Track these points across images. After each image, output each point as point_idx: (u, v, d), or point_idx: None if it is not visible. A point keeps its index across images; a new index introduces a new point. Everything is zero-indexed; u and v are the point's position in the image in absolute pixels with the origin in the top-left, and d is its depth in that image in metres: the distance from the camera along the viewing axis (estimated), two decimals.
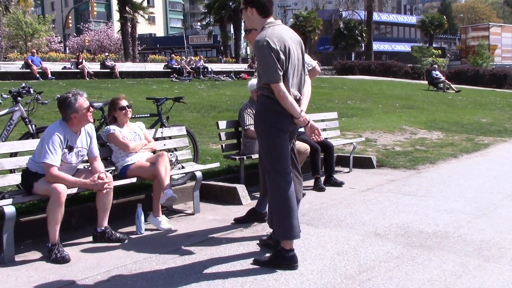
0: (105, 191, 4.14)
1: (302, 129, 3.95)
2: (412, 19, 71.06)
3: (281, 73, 3.50)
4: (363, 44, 49.16)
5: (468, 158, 8.47)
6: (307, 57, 4.09)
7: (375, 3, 48.92)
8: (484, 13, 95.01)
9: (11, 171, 4.59)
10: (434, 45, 53.47)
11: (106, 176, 4.15)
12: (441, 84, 24.13)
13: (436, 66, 27.85)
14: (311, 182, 6.29)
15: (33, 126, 5.67)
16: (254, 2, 3.68)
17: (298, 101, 3.66)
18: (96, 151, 4.36)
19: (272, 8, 3.77)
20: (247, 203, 5.42)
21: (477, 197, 5.62)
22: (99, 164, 4.33)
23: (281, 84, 3.50)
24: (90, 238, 4.31)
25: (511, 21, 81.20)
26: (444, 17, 60.07)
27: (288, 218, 3.58)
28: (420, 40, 57.30)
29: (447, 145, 9.42)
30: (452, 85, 24.58)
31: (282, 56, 3.52)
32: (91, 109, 4.22)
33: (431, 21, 57.01)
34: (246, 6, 3.72)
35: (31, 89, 5.84)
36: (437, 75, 24.76)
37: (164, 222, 4.64)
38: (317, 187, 6.15)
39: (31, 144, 4.38)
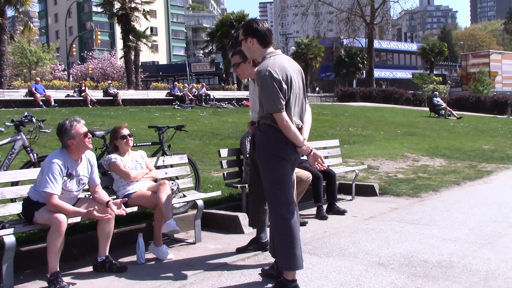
0: (106, 217, 4.11)
1: (304, 157, 3.95)
2: (413, 46, 71.75)
3: (283, 103, 3.52)
4: (364, 71, 49.55)
5: (471, 185, 8.42)
6: None
7: (376, 31, 49.46)
8: (484, 40, 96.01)
9: (12, 200, 4.57)
10: (435, 72, 53.93)
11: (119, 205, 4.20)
12: (443, 111, 24.19)
13: (437, 92, 28.00)
14: (313, 210, 6.25)
15: (35, 155, 5.67)
16: (255, 32, 3.72)
17: (300, 129, 3.67)
18: (97, 179, 4.35)
19: (272, 37, 3.81)
20: (249, 231, 5.37)
21: (481, 226, 5.56)
22: (101, 193, 4.31)
23: (284, 114, 3.51)
24: (91, 268, 4.26)
25: (511, 48, 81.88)
26: (445, 44, 60.69)
27: (291, 248, 3.55)
28: (421, 67, 57.79)
29: (450, 172, 9.38)
30: (454, 112, 24.65)
31: (284, 86, 3.54)
32: (89, 135, 4.22)
33: (431, 48, 57.62)
34: (247, 36, 3.76)
35: (33, 118, 5.87)
36: (438, 101, 24.85)
37: (165, 251, 4.59)
38: (320, 216, 6.11)
39: (33, 173, 4.37)
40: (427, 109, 26.49)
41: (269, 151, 3.61)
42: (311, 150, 3.61)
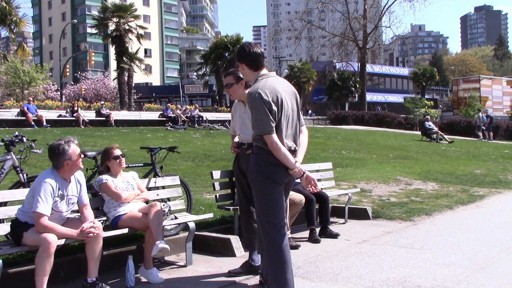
0: (91, 234, 4.03)
1: (298, 180, 3.93)
2: (405, 71, 72.53)
3: (273, 125, 3.51)
4: (356, 95, 49.89)
5: (464, 209, 8.41)
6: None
7: (368, 55, 49.89)
8: (475, 65, 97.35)
9: (1, 221, 4.49)
10: (426, 96, 54.40)
11: (94, 226, 4.06)
12: (434, 135, 24.32)
13: (429, 117, 28.16)
14: (306, 233, 6.19)
15: (25, 175, 5.60)
16: (242, 58, 3.82)
17: (293, 152, 3.64)
18: (85, 198, 4.29)
19: (263, 60, 3.83)
20: (241, 254, 5.30)
21: (475, 250, 5.53)
22: (89, 213, 4.25)
23: (274, 136, 3.50)
24: None
25: (501, 74, 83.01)
26: (435, 69, 61.40)
27: (282, 272, 3.50)
28: (412, 91, 58.32)
29: (443, 196, 9.37)
30: (445, 136, 24.78)
31: (274, 108, 3.53)
32: (82, 155, 4.19)
33: (423, 73, 58.28)
34: (237, 62, 3.89)
35: (24, 137, 5.81)
36: (430, 125, 24.99)
37: (155, 274, 4.51)
38: (312, 239, 6.05)
39: (22, 193, 4.30)
40: (419, 133, 26.63)
41: (261, 173, 3.59)
42: (304, 173, 3.59)
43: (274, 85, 3.65)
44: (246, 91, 4.54)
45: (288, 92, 3.72)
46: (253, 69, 3.78)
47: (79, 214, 4.36)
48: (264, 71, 3.78)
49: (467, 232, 6.54)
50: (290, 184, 3.82)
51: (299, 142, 3.77)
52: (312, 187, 3.66)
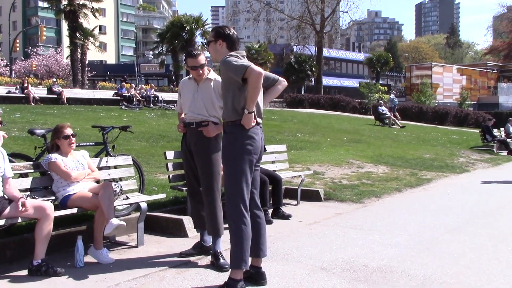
0: (23, 208, 3.98)
1: None
2: (360, 56, 73.56)
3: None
4: (313, 79, 50.28)
5: (412, 192, 8.69)
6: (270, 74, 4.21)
7: (325, 39, 50.24)
8: (427, 53, 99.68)
9: None
10: (380, 82, 55.35)
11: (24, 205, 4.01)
12: (387, 120, 24.88)
13: (383, 102, 28.73)
14: None
15: None
16: (226, 37, 3.94)
17: (259, 124, 3.83)
18: (8, 172, 4.20)
19: (239, 43, 4.03)
20: (194, 235, 5.31)
21: (420, 232, 5.73)
22: (13, 187, 4.18)
23: (257, 67, 3.65)
24: (26, 272, 4.08)
25: (452, 62, 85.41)
26: (390, 55, 62.52)
27: (245, 247, 3.66)
28: (367, 77, 59.20)
29: (392, 179, 9.64)
30: (398, 121, 25.39)
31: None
32: (4, 124, 4.07)
33: (378, 59, 59.22)
34: (217, 39, 3.96)
35: None
36: (383, 110, 25.54)
37: (106, 254, 4.47)
38: (265, 220, 6.10)
39: None
40: (373, 117, 27.17)
41: (236, 149, 3.70)
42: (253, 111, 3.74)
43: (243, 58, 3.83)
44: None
45: None
46: (229, 49, 3.92)
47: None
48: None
49: (413, 214, 6.77)
50: (259, 159, 3.92)
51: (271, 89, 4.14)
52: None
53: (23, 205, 3.99)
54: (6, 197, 4.12)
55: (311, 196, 7.73)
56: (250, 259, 3.74)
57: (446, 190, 9.01)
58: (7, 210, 4.03)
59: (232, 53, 3.85)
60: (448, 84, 53.68)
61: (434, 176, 10.50)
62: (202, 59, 4.50)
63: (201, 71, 4.50)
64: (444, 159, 13.56)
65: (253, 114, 3.70)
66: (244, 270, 3.70)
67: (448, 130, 26.89)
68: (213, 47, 3.99)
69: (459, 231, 5.80)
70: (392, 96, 30.95)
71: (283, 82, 4.22)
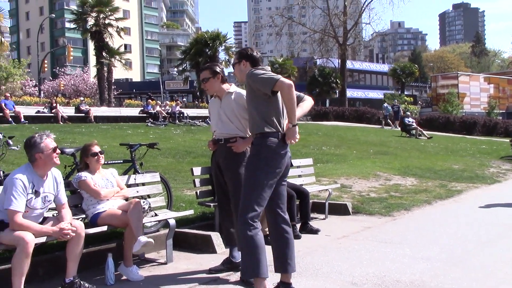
0: (68, 236, 3.98)
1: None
2: (384, 67, 73.06)
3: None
4: (337, 91, 50.12)
5: (442, 204, 8.53)
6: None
7: (349, 51, 50.15)
8: (453, 62, 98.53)
9: None
10: (406, 93, 54.90)
11: (71, 225, 4.01)
12: (414, 131, 24.58)
13: (409, 113, 28.44)
14: None
15: (1, 172, 5.51)
16: (249, 57, 4.08)
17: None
18: (64, 198, 4.23)
19: (262, 62, 4.14)
20: (222, 251, 5.30)
21: (452, 245, 5.61)
22: (67, 212, 4.19)
23: (285, 79, 3.73)
24: None
25: (478, 71, 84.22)
26: (415, 65, 61.98)
27: (256, 254, 3.68)
28: (392, 88, 58.82)
29: (421, 191, 9.49)
30: (424, 132, 25.06)
31: None
32: (58, 151, 4.12)
33: (402, 70, 58.70)
34: (241, 60, 4.10)
35: (0, 134, 5.73)
36: (409, 121, 25.26)
37: (135, 272, 4.49)
38: (293, 235, 6.06)
39: None
40: (399, 128, 26.89)
41: (258, 161, 3.73)
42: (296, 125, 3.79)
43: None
44: (223, 86, 4.55)
45: None
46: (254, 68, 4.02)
47: (56, 212, 4.31)
48: None
49: (444, 226, 6.64)
50: (285, 174, 3.92)
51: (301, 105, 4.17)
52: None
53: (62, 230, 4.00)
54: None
55: (339, 210, 7.66)
56: (267, 267, 3.73)
57: (477, 202, 8.81)
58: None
59: (258, 67, 3.94)
60: (475, 93, 52.90)
61: (465, 188, 10.30)
62: (205, 73, 4.59)
63: (207, 85, 4.61)
64: (474, 169, 13.30)
65: (297, 127, 3.77)
66: (266, 279, 3.67)
67: (477, 139, 26.40)
68: (238, 68, 4.12)
69: (492, 244, 5.66)
70: (385, 104, 32.35)
71: (310, 99, 4.32)
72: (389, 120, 30.68)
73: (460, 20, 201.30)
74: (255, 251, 3.65)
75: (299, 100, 4.22)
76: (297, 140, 3.82)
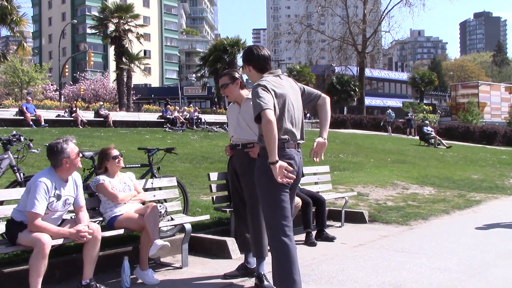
0: (85, 238, 4.02)
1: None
2: (403, 76, 72.59)
3: (270, 104, 3.47)
4: (355, 99, 49.95)
5: (460, 214, 8.42)
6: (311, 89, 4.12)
7: (367, 59, 49.97)
8: (473, 71, 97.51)
9: None
10: (425, 101, 54.44)
11: (88, 228, 4.05)
12: (432, 140, 24.34)
13: (428, 122, 28.18)
14: (302, 237, 6.18)
15: (21, 174, 5.60)
16: (250, 60, 3.89)
17: (298, 146, 3.76)
18: (82, 200, 4.28)
19: (270, 63, 3.91)
20: (237, 257, 5.30)
21: (470, 255, 5.53)
22: (84, 215, 4.24)
23: (269, 112, 3.42)
24: None
25: (499, 80, 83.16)
26: (435, 74, 61.43)
27: (290, 274, 3.51)
28: (411, 96, 58.36)
29: (439, 201, 9.38)
30: (443, 141, 24.79)
31: (275, 100, 3.58)
32: (80, 154, 4.19)
33: (421, 78, 58.25)
34: (244, 64, 3.95)
35: (21, 137, 5.81)
36: (428, 130, 25.02)
37: (151, 275, 4.51)
38: (308, 242, 6.05)
39: (18, 192, 4.29)
40: (417, 137, 26.64)
41: (267, 176, 3.55)
42: (277, 161, 3.45)
43: (278, 80, 3.74)
44: (242, 91, 4.57)
45: (294, 89, 3.82)
46: (260, 72, 3.85)
47: (74, 214, 4.36)
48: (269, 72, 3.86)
49: (463, 237, 6.55)
50: (296, 184, 3.82)
51: (322, 116, 3.93)
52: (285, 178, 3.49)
53: (79, 232, 4.03)
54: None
55: (355, 218, 7.61)
56: (301, 284, 3.57)
57: (496, 212, 8.67)
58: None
59: (266, 76, 3.75)
60: (496, 103, 52.15)
61: (484, 198, 10.15)
62: (224, 79, 4.59)
63: (226, 91, 4.60)
64: (494, 180, 13.11)
65: (277, 164, 3.42)
66: None
67: (497, 150, 26.02)
68: (245, 72, 4.05)
69: (511, 256, 5.56)
70: (389, 111, 32.80)
71: (327, 98, 4.09)
72: (389, 127, 31.31)
73: (481, 29, 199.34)
74: (290, 269, 3.52)
75: (313, 99, 4.03)
76: (284, 180, 3.46)
